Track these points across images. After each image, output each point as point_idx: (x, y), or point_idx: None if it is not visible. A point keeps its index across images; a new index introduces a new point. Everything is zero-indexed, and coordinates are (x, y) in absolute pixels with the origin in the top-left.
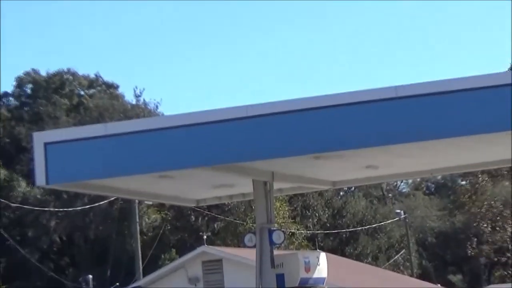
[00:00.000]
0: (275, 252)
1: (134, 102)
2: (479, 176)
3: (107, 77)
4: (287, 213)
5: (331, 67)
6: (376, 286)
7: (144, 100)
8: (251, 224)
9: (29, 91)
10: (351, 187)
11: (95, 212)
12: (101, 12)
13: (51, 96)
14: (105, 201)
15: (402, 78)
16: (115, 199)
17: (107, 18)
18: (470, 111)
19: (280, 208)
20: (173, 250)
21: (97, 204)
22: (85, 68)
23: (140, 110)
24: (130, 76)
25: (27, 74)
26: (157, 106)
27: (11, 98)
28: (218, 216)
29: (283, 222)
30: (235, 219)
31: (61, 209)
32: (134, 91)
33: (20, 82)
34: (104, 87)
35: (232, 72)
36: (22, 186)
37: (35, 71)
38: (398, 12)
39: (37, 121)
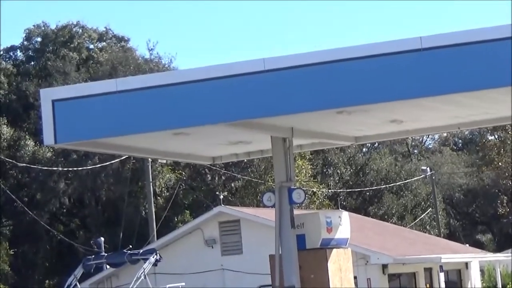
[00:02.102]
0: (295, 211)
1: (147, 56)
2: (509, 130)
3: (117, 31)
4: (309, 171)
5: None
6: (401, 247)
7: (158, 54)
8: (271, 183)
9: (37, 45)
10: (375, 143)
11: (106, 173)
12: None
13: (59, 50)
14: (117, 160)
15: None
16: (127, 158)
17: None
18: (498, 61)
19: (302, 167)
20: (187, 212)
21: (108, 163)
22: (95, 22)
23: (153, 65)
24: (142, 30)
25: (36, 26)
26: (171, 60)
27: (18, 51)
28: (236, 175)
29: (305, 181)
30: (254, 178)
31: (70, 169)
32: (147, 44)
33: (29, 35)
34: (114, 40)
35: (249, 25)
36: (29, 145)
37: (45, 24)
38: None
39: (45, 77)
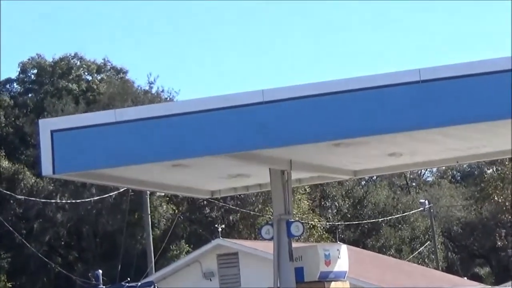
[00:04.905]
0: (294, 244)
1: (147, 89)
2: (507, 164)
3: (116, 62)
4: (308, 206)
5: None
6: (399, 280)
7: (158, 88)
8: (269, 216)
9: (33, 76)
10: (373, 176)
11: (104, 205)
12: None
13: (57, 82)
14: (115, 193)
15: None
16: (125, 190)
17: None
18: (498, 94)
19: (301, 201)
20: (182, 242)
21: (106, 195)
22: (92, 53)
23: (153, 97)
24: (140, 62)
25: (31, 59)
26: (171, 94)
27: (15, 84)
28: (234, 207)
29: (304, 215)
30: (251, 211)
31: (68, 201)
32: (148, 77)
33: (24, 68)
34: (113, 71)
35: (252, 60)
36: (27, 177)
37: (39, 56)
38: None
39: (43, 109)
